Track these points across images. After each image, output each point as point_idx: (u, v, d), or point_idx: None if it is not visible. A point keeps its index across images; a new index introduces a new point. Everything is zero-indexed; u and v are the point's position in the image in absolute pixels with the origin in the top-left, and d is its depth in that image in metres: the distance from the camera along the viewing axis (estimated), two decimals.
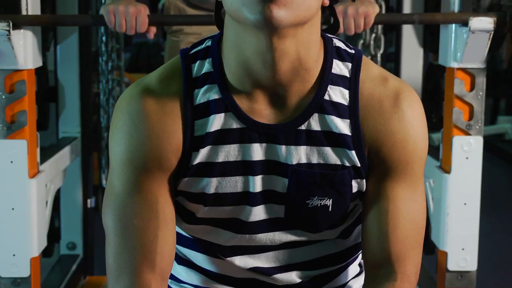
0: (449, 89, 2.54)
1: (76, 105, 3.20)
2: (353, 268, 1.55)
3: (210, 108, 1.32)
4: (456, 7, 2.46)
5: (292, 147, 1.32)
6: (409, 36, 3.33)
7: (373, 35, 3.30)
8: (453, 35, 2.47)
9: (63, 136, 3.19)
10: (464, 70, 2.49)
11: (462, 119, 2.51)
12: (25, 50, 2.39)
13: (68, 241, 3.28)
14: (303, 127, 1.32)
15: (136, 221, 1.31)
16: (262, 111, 1.32)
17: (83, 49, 3.18)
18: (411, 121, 1.34)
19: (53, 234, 3.15)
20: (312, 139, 1.32)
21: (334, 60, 1.34)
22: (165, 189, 1.33)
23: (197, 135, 1.32)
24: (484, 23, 2.36)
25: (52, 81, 3.21)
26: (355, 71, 1.34)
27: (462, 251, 2.55)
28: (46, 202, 2.59)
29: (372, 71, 1.36)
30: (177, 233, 1.43)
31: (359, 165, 1.34)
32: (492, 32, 2.37)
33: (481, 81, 2.50)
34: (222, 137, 1.32)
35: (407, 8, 3.30)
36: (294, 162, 1.32)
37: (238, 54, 1.28)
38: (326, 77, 1.32)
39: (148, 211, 1.32)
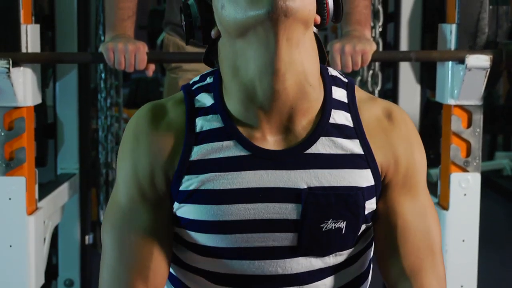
0: (446, 126, 2.55)
1: (74, 142, 3.20)
2: None
3: (211, 136, 1.32)
4: (452, 45, 2.48)
5: (301, 171, 1.31)
6: (406, 72, 3.35)
7: (371, 71, 3.32)
8: (449, 72, 2.49)
9: (61, 173, 3.19)
10: (461, 107, 2.50)
11: (460, 156, 2.51)
12: (24, 87, 2.40)
13: (65, 278, 3.26)
14: (310, 150, 1.32)
15: (133, 236, 1.33)
16: (267, 138, 1.32)
17: (82, 86, 3.19)
18: (408, 135, 1.38)
19: (51, 271, 3.13)
20: (321, 162, 1.32)
21: (333, 87, 1.37)
22: (163, 208, 1.34)
23: (194, 159, 1.32)
24: (480, 60, 2.38)
25: (51, 117, 3.22)
26: (351, 97, 1.37)
27: None
28: (44, 239, 2.59)
29: (362, 95, 1.40)
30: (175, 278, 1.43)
31: (373, 183, 1.34)
32: (489, 69, 2.39)
33: (478, 118, 2.51)
34: (224, 165, 1.31)
35: (404, 45, 3.32)
36: (305, 186, 1.31)
37: (241, 78, 1.29)
38: (329, 101, 1.34)
39: (146, 228, 1.33)
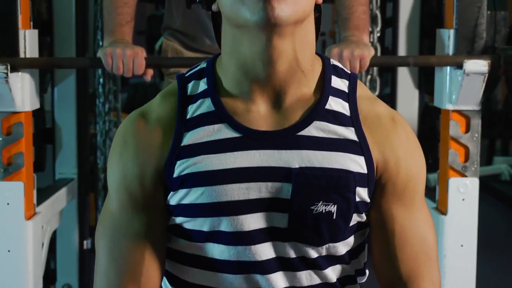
0: (444, 131, 2.55)
1: (73, 146, 3.20)
2: None
3: (202, 121, 1.33)
4: (450, 50, 2.48)
5: (294, 151, 1.31)
6: (405, 77, 3.35)
7: (369, 76, 3.33)
8: (448, 77, 2.49)
9: (59, 178, 3.19)
10: (459, 112, 2.51)
11: (458, 161, 2.52)
12: (22, 92, 2.40)
13: (64, 283, 3.26)
14: (303, 133, 1.32)
15: (125, 241, 1.34)
16: (260, 119, 1.32)
17: (80, 91, 3.19)
18: (410, 141, 1.38)
19: (49, 275, 3.13)
20: (314, 144, 1.32)
21: (333, 76, 1.37)
22: (155, 211, 1.35)
23: (184, 144, 1.32)
24: (478, 65, 2.38)
25: (49, 122, 3.22)
26: (352, 88, 1.38)
27: None
28: (42, 244, 2.59)
29: (367, 91, 1.40)
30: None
31: (366, 171, 1.34)
32: (487, 74, 2.39)
33: (476, 122, 2.51)
34: (216, 146, 1.32)
35: (402, 50, 3.33)
36: (297, 166, 1.31)
37: (237, 58, 1.31)
38: (327, 88, 1.35)
39: (138, 232, 1.34)
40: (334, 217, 1.33)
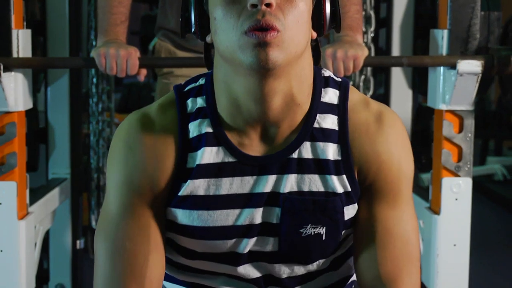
0: (438, 131, 2.56)
1: (66, 146, 3.19)
2: None
3: (202, 141, 1.34)
4: (444, 50, 2.48)
5: (283, 176, 1.33)
6: (398, 78, 3.35)
7: (363, 76, 3.32)
8: (441, 77, 2.49)
9: (52, 177, 3.18)
10: (452, 112, 2.51)
11: (451, 161, 2.52)
12: (15, 92, 2.40)
13: (57, 283, 3.25)
14: (294, 155, 1.34)
15: (128, 244, 1.33)
16: (253, 145, 1.34)
17: (73, 91, 3.18)
18: (395, 142, 1.37)
19: (42, 275, 3.12)
20: (302, 167, 1.34)
21: (323, 89, 1.37)
22: (157, 214, 1.35)
23: (189, 167, 1.34)
24: (472, 66, 2.38)
25: (42, 122, 3.21)
26: (343, 98, 1.38)
27: None
28: (35, 244, 2.58)
29: (356, 97, 1.40)
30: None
31: (349, 189, 1.35)
32: (480, 74, 2.40)
33: (470, 123, 2.51)
34: (214, 171, 1.34)
35: (396, 50, 3.33)
36: (286, 191, 1.33)
37: (229, 92, 1.31)
38: (315, 106, 1.35)
39: (140, 235, 1.33)
40: (324, 238, 1.35)
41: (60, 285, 3.25)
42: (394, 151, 1.37)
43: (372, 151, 1.36)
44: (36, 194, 2.78)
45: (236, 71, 1.28)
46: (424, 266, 2.64)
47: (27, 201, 2.51)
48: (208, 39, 1.35)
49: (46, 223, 2.82)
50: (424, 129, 3.27)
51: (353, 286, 1.54)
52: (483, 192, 6.05)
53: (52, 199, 2.93)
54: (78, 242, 3.26)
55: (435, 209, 2.56)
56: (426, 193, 2.66)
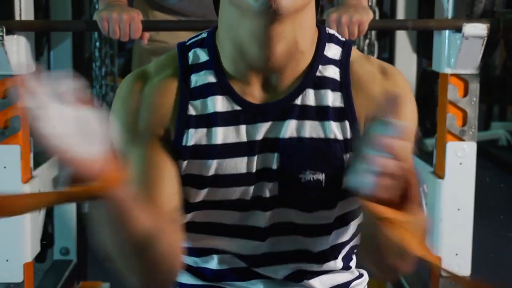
0: (442, 95, 2.54)
1: None
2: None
3: (206, 91, 1.35)
4: (449, 14, 2.47)
5: (284, 121, 1.34)
6: (403, 42, 3.33)
7: (367, 41, 3.31)
8: (446, 41, 2.48)
9: None
10: (457, 76, 2.50)
11: (456, 125, 2.51)
12: (18, 55, 2.39)
13: (61, 247, 3.26)
14: (297, 102, 1.35)
15: (151, 170, 1.33)
16: (256, 94, 1.35)
17: (76, 55, 3.17)
18: (401, 89, 1.38)
19: (46, 239, 3.13)
20: (304, 113, 1.34)
21: (327, 44, 1.38)
22: (168, 156, 1.34)
23: (191, 114, 1.35)
24: (477, 29, 2.37)
25: None
26: (346, 55, 1.39)
27: (455, 256, 2.55)
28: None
29: (358, 54, 1.41)
30: None
31: (349, 137, 1.35)
32: (486, 38, 2.38)
33: (475, 87, 2.50)
34: (218, 119, 1.34)
35: (400, 14, 3.31)
36: (286, 137, 1.34)
37: (234, 37, 1.32)
38: (318, 58, 1.36)
39: (150, 164, 1.33)
40: (324, 185, 1.35)
41: (65, 248, 3.26)
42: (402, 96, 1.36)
43: (376, 99, 1.35)
44: (40, 158, 2.78)
45: (243, 14, 1.28)
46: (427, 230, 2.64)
47: (31, 165, 2.51)
48: None
49: (50, 187, 2.82)
50: (428, 93, 3.26)
51: (354, 251, 1.55)
52: (487, 157, 6.05)
53: (56, 163, 2.92)
54: (85, 205, 3.27)
55: (439, 174, 2.56)
56: (430, 157, 2.65)
